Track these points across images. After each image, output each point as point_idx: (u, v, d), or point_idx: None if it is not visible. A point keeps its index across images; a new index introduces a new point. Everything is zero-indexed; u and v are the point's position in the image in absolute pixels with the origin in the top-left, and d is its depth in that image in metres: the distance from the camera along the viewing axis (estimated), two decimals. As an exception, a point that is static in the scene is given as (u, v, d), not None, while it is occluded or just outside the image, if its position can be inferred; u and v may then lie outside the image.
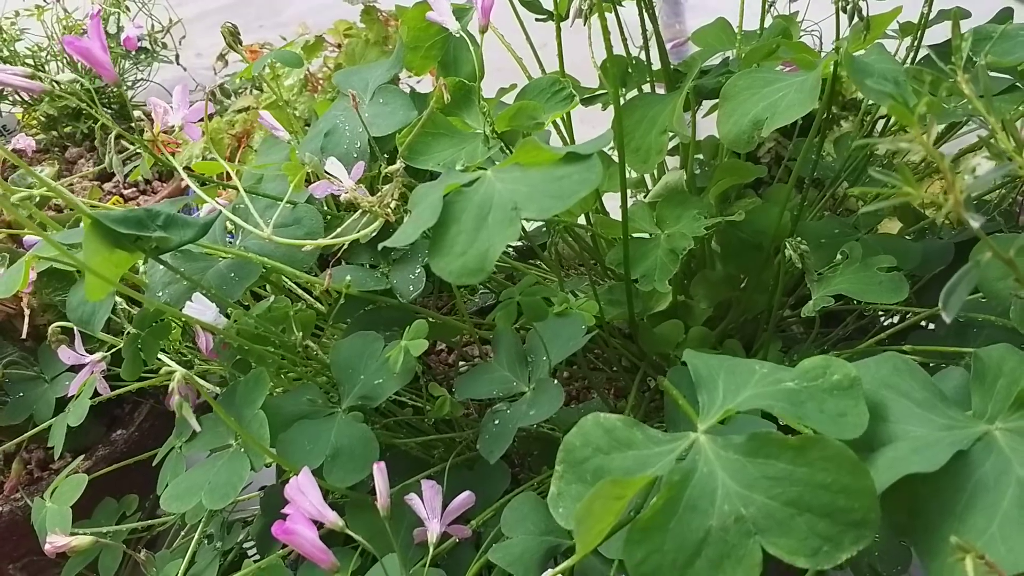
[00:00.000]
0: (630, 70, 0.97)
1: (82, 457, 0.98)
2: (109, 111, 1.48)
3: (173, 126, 0.76)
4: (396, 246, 0.58)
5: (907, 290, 0.69)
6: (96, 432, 1.02)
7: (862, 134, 0.91)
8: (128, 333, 0.69)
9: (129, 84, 1.60)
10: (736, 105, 0.70)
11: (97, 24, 0.65)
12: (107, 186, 1.44)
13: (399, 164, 0.68)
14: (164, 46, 1.59)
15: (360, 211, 0.71)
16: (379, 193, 0.69)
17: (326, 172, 0.73)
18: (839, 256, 0.73)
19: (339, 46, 1.38)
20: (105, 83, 1.36)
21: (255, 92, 1.40)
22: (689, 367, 0.52)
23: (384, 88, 0.83)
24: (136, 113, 0.74)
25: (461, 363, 0.99)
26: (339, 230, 0.70)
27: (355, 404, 0.68)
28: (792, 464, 0.45)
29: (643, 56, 0.89)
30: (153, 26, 1.57)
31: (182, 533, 0.86)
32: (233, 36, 0.98)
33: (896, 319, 0.88)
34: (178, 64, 1.60)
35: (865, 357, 0.75)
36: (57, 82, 0.70)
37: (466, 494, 0.64)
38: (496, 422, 0.69)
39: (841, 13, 0.84)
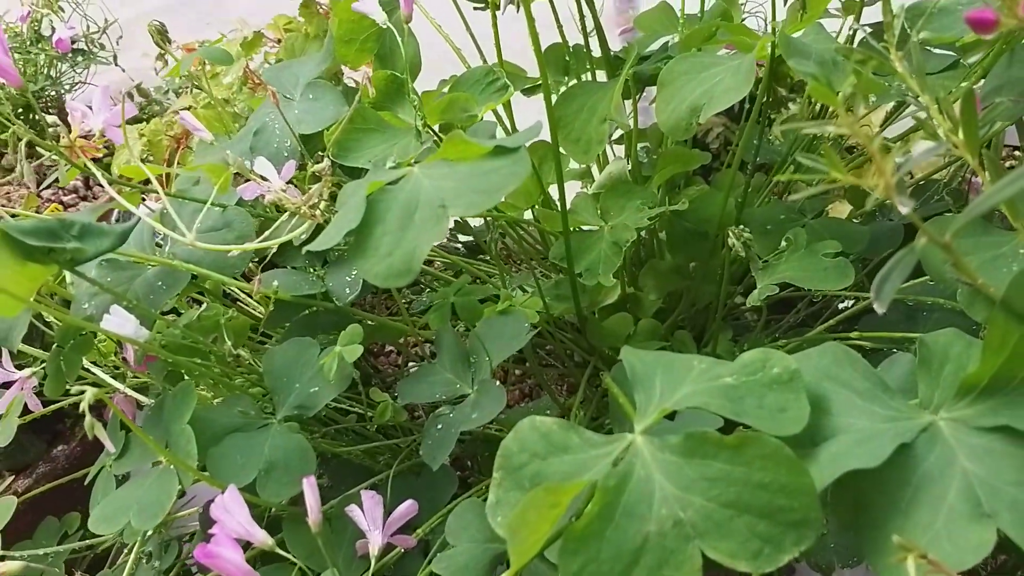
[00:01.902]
0: (568, 58, 0.95)
1: (19, 475, 0.95)
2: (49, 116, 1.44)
3: (93, 130, 0.73)
4: (319, 249, 0.55)
5: (852, 275, 0.67)
6: (38, 449, 0.99)
7: (806, 117, 0.90)
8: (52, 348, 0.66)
9: (66, 88, 1.55)
10: (674, 91, 0.69)
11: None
12: (46, 193, 1.40)
13: (326, 162, 0.66)
14: (102, 47, 1.55)
15: (289, 213, 0.69)
16: (306, 193, 0.66)
17: (254, 172, 0.70)
18: (783, 243, 0.71)
19: (279, 41, 1.35)
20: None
21: (195, 92, 1.36)
22: (626, 366, 0.50)
23: (314, 84, 0.81)
24: (51, 118, 0.71)
25: (410, 364, 0.97)
26: (267, 233, 0.68)
27: (290, 414, 0.66)
28: (729, 464, 0.43)
29: (586, 44, 0.87)
30: (89, 27, 1.52)
31: (124, 551, 0.83)
32: (161, 35, 0.95)
33: (849, 304, 0.87)
34: (116, 65, 1.56)
35: (813, 344, 0.74)
36: None
37: (408, 503, 0.61)
38: (439, 426, 0.67)
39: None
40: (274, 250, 0.72)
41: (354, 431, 0.75)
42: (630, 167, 0.82)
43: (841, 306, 0.90)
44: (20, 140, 0.68)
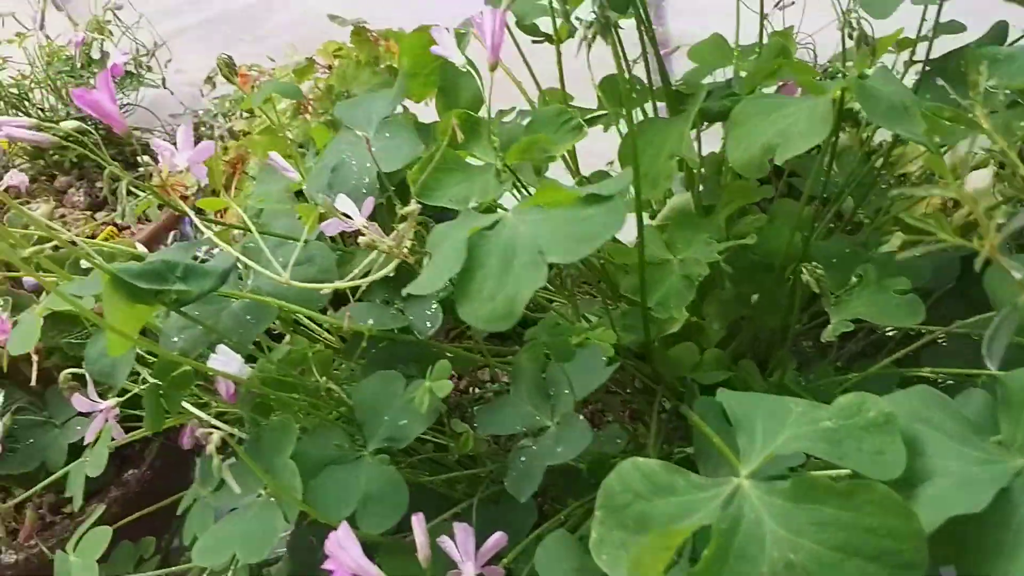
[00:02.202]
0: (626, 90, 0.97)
1: (91, 499, 0.97)
2: (113, 150, 1.46)
3: (179, 167, 0.76)
4: (424, 292, 0.57)
5: (923, 312, 0.69)
6: (107, 473, 1.01)
7: (863, 150, 0.92)
8: (148, 382, 0.68)
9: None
10: (746, 131, 0.71)
11: (106, 77, 0.65)
12: (99, 215, 1.43)
13: (414, 204, 0.68)
14: (149, 69, 1.58)
15: (367, 247, 0.71)
16: (395, 233, 0.69)
17: (337, 210, 0.73)
18: (854, 278, 0.73)
19: (330, 67, 1.37)
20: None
21: (246, 116, 1.39)
22: (726, 408, 0.53)
23: (389, 121, 0.83)
24: (144, 157, 0.73)
25: (473, 389, 0.99)
26: (356, 271, 0.70)
27: (381, 446, 0.68)
28: (839, 509, 0.45)
29: (642, 72, 0.89)
30: (138, 49, 1.55)
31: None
32: (229, 68, 0.98)
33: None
34: (165, 88, 1.59)
35: (881, 377, 0.76)
36: (64, 132, 0.69)
37: (499, 535, 0.63)
38: (523, 459, 0.69)
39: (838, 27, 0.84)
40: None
41: (431, 460, 0.78)
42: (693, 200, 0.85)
43: (890, 332, 0.92)
44: (117, 181, 0.70)
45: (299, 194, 0.94)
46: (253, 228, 0.71)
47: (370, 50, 1.31)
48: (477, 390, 0.97)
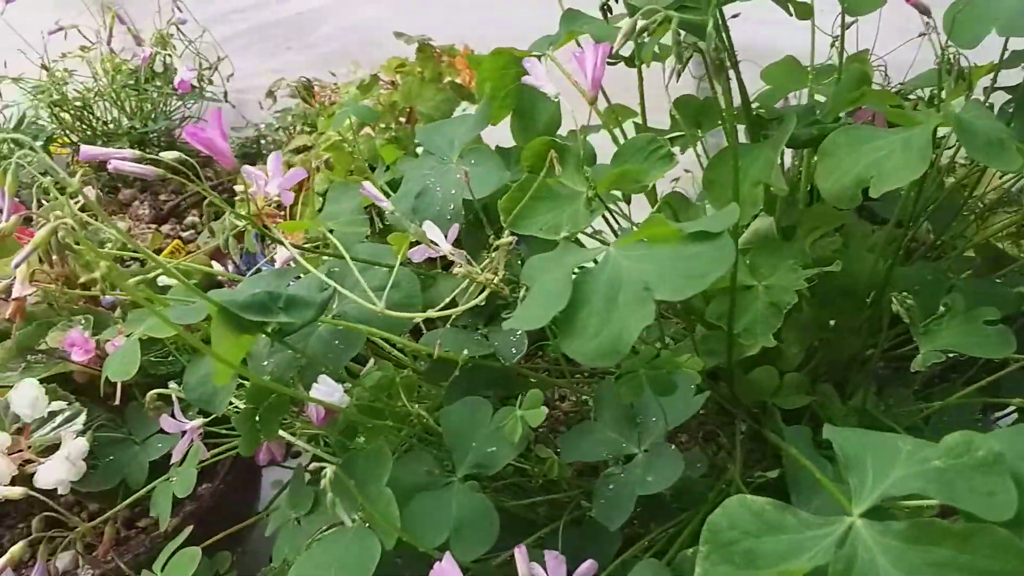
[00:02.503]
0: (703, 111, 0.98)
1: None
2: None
3: (272, 195, 0.77)
4: (528, 328, 0.58)
5: (1014, 344, 0.69)
6: (182, 486, 1.03)
7: (940, 176, 0.91)
8: (242, 407, 0.70)
9: (177, 123, 1.61)
10: (836, 162, 0.71)
11: (218, 115, 0.66)
12: (164, 228, 1.45)
13: (509, 236, 0.69)
14: (210, 82, 1.60)
15: (463, 276, 0.72)
16: (488, 263, 0.70)
17: (427, 237, 0.74)
18: (942, 307, 0.73)
19: (392, 83, 1.39)
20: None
21: (308, 131, 1.41)
22: (835, 446, 0.53)
23: (475, 150, 0.84)
24: (238, 188, 0.75)
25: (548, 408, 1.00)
26: (447, 299, 0.71)
27: (470, 472, 0.69)
28: (956, 551, 0.46)
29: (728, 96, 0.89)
30: (200, 63, 1.58)
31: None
32: (307, 91, 0.99)
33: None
34: (226, 102, 1.61)
35: (969, 404, 0.76)
36: (166, 160, 0.71)
37: (590, 564, 0.64)
38: (610, 486, 0.69)
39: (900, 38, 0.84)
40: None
41: (516, 484, 0.78)
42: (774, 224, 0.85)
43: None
44: (207, 216, 0.72)
45: (367, 210, 0.95)
46: (347, 255, 0.72)
47: (434, 66, 1.32)
48: (550, 408, 0.97)
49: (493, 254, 0.70)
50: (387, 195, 0.93)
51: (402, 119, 1.37)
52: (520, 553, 0.57)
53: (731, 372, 0.80)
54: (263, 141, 1.58)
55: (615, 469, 0.70)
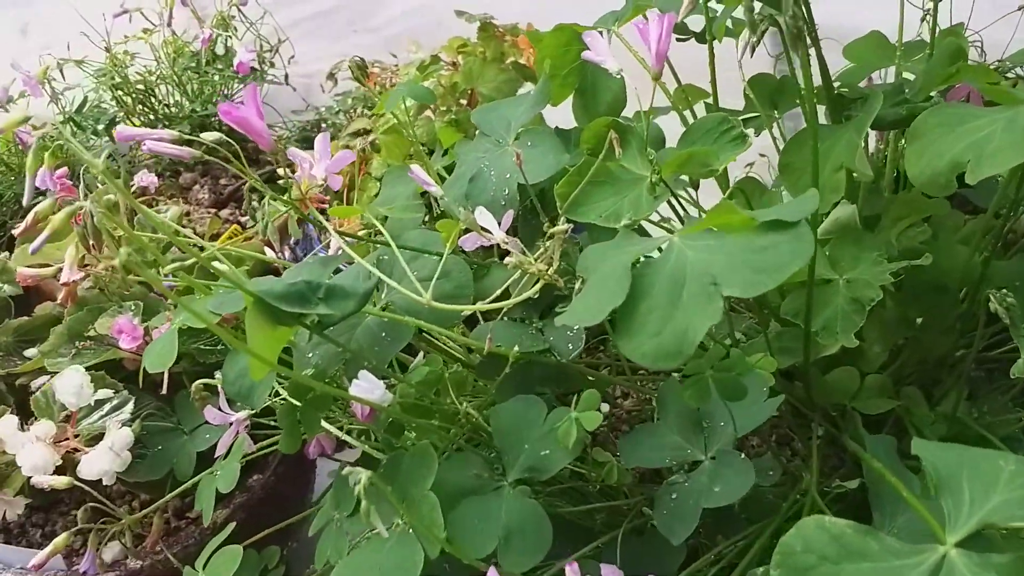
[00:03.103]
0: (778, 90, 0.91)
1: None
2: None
3: (318, 179, 0.73)
4: (584, 324, 0.53)
5: None
6: (233, 478, 1.01)
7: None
8: (283, 402, 0.66)
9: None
10: (928, 144, 0.64)
11: (254, 92, 0.62)
12: (223, 213, 1.44)
13: (564, 224, 0.64)
14: (271, 64, 1.58)
15: (515, 267, 0.67)
16: (541, 253, 0.65)
17: (479, 225, 0.69)
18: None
19: (454, 64, 1.34)
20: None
21: (368, 114, 1.37)
22: (926, 464, 0.47)
23: (531, 131, 0.79)
24: (281, 170, 0.71)
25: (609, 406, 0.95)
26: (497, 292, 0.66)
27: (521, 477, 0.64)
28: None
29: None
30: (260, 45, 1.56)
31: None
32: (361, 70, 0.95)
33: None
34: (287, 84, 1.59)
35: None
36: (207, 142, 0.67)
37: (650, 579, 0.59)
38: (673, 496, 0.64)
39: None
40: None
41: (572, 489, 0.73)
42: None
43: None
44: (253, 194, 0.68)
45: (423, 195, 0.91)
46: (393, 244, 0.68)
47: (496, 47, 1.27)
48: (614, 409, 0.92)
49: (547, 243, 0.65)
50: (442, 180, 0.89)
51: (462, 101, 1.33)
52: (571, 570, 0.53)
53: (807, 372, 0.74)
54: (323, 125, 1.55)
55: (679, 477, 0.65)
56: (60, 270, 0.95)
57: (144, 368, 0.96)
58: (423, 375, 0.66)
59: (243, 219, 1.41)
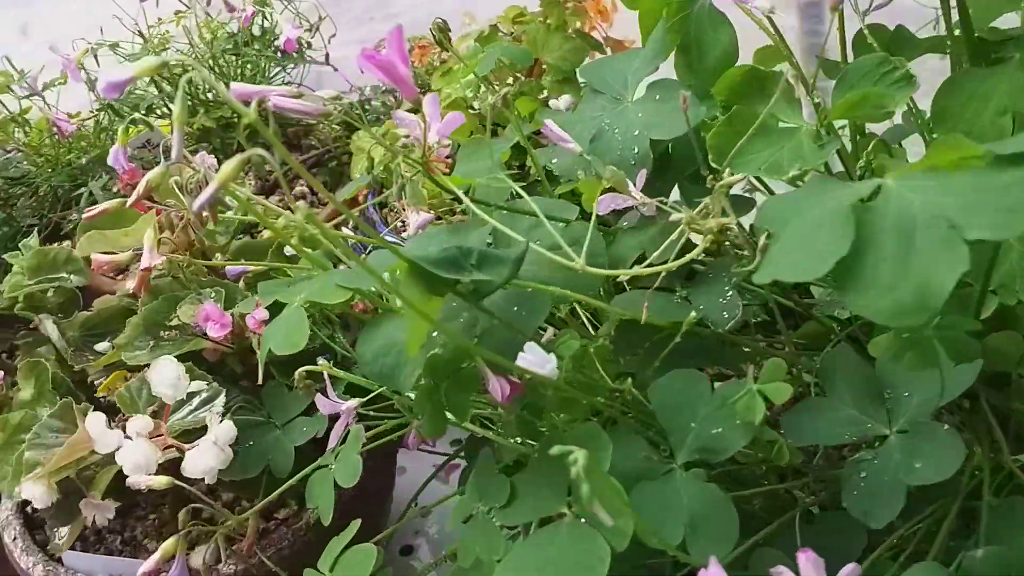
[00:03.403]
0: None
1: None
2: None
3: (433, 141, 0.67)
4: (792, 280, 0.47)
5: None
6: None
7: None
8: (422, 383, 0.60)
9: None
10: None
11: (399, 35, 0.56)
12: (271, 200, 1.37)
13: (729, 175, 0.58)
14: (309, 45, 1.51)
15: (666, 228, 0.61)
16: (702, 209, 0.59)
17: (624, 184, 0.63)
18: None
19: (511, 34, 1.28)
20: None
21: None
22: None
23: (660, 83, 0.73)
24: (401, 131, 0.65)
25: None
26: (656, 253, 0.60)
27: (692, 459, 0.58)
28: None
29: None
30: (300, 24, 1.49)
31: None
32: (443, 33, 0.89)
33: None
34: (328, 64, 1.52)
35: None
36: (324, 99, 0.61)
37: (853, 567, 0.53)
38: (863, 474, 0.58)
39: None
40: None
41: (729, 473, 0.67)
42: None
43: None
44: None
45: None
46: (538, 211, 0.62)
47: (559, 14, 1.21)
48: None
49: (709, 199, 0.58)
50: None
51: (518, 74, 1.27)
52: (806, 557, 0.46)
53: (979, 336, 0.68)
54: (368, 106, 1.48)
55: (866, 454, 0.59)
56: (136, 256, 0.89)
57: (230, 358, 0.90)
58: (574, 349, 0.60)
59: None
